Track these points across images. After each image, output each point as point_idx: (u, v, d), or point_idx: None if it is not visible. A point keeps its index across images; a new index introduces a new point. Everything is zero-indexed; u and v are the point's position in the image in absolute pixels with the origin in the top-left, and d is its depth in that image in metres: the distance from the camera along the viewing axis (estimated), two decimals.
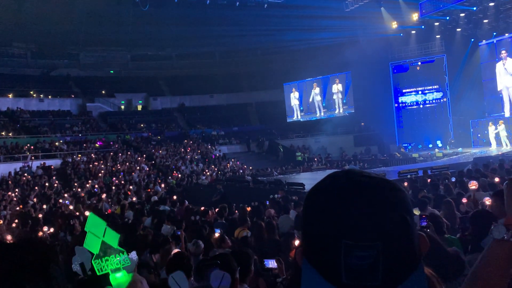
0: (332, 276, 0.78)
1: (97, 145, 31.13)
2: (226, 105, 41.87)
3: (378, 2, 30.22)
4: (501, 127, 22.13)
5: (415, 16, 28.31)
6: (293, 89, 38.26)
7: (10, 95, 35.23)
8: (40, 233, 9.50)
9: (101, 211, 12.77)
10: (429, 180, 11.55)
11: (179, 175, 25.85)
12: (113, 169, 26.78)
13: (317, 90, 36.53)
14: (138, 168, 27.20)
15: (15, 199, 19.51)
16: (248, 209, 10.14)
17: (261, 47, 42.62)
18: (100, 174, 25.29)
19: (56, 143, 29.68)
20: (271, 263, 4.86)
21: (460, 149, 25.23)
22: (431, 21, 28.67)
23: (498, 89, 25.97)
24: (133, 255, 1.46)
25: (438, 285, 1.21)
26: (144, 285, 1.27)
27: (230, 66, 43.83)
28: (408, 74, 30.71)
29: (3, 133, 30.11)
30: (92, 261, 1.39)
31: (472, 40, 27.86)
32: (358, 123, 34.95)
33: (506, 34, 25.74)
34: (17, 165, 26.01)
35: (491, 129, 23.30)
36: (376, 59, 29.58)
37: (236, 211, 10.29)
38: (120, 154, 29.39)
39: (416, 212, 5.39)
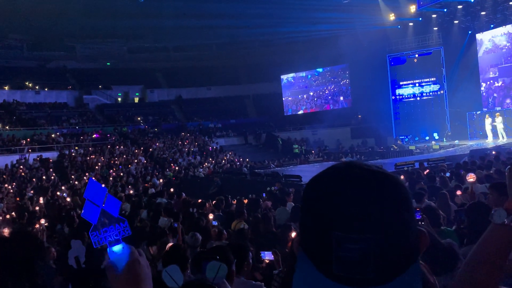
0: (324, 267, 0.78)
1: (94, 137, 31.07)
2: (224, 98, 41.79)
3: None
4: (498, 119, 22.14)
5: (412, 8, 28.22)
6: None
7: (6, 87, 35.07)
8: (37, 226, 9.51)
9: None
10: (426, 172, 11.59)
11: (176, 168, 25.86)
12: (111, 161, 26.76)
13: None
14: (135, 160, 27.18)
15: (11, 191, 19.49)
16: (245, 201, 10.17)
17: (258, 39, 42.42)
18: (96, 167, 25.27)
19: (53, 136, 29.61)
20: (268, 255, 4.88)
21: (456, 141, 25.28)
22: (429, 13, 28.57)
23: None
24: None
25: (430, 276, 1.22)
26: (143, 264, 1.21)
27: (227, 58, 43.67)
28: (405, 66, 30.68)
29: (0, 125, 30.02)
30: (90, 233, 1.28)
31: (470, 32, 27.82)
32: (355, 115, 34.97)
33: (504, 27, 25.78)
34: (14, 158, 25.94)
35: (488, 122, 23.33)
36: (373, 51, 29.54)
37: (234, 201, 10.32)
38: (117, 147, 29.35)
39: None
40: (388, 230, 0.77)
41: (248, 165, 26.01)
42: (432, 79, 29.97)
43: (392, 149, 27.41)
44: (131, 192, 16.76)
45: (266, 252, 4.93)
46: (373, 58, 29.60)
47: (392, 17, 29.65)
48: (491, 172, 9.26)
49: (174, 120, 37.79)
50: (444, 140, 27.37)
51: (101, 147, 29.09)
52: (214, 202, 10.09)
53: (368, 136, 32.09)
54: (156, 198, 12.25)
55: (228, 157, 29.68)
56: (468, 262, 1.27)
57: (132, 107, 39.03)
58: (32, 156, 26.33)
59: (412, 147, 26.59)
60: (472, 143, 23.20)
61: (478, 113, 26.23)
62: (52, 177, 23.27)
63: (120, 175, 23.20)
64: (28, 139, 28.39)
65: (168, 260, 3.73)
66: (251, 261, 4.03)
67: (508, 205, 1.25)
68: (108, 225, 1.29)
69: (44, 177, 22.93)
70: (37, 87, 36.68)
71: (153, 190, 15.92)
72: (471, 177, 7.26)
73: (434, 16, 28.63)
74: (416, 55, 30.24)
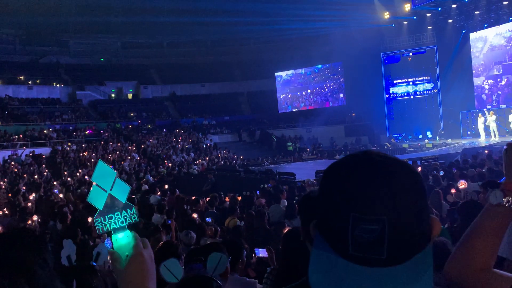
0: (340, 247, 0.81)
1: (87, 133, 30.92)
2: (218, 94, 41.71)
3: None
4: (492, 118, 22.20)
5: (407, 7, 28.31)
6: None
7: None
8: (29, 222, 9.45)
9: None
10: (419, 170, 11.63)
11: (170, 164, 25.79)
12: (106, 157, 26.63)
13: None
14: (128, 157, 27.08)
15: (3, 187, 19.34)
16: (239, 198, 10.18)
17: (253, 36, 42.43)
18: (89, 163, 25.13)
19: (46, 131, 29.42)
20: (262, 252, 4.89)
21: (449, 140, 25.43)
22: (423, 12, 28.67)
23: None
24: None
25: None
26: (147, 257, 1.17)
27: (222, 55, 43.61)
28: (399, 65, 30.78)
29: None
30: (94, 219, 1.23)
31: (464, 31, 27.95)
32: (349, 113, 35.06)
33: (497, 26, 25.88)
34: (6, 153, 25.75)
35: (480, 120, 23.46)
36: (368, 50, 29.60)
37: (227, 199, 10.32)
38: (110, 143, 29.22)
39: None
40: (402, 213, 0.81)
41: (241, 163, 25.98)
42: (426, 77, 30.10)
43: (385, 147, 27.49)
44: None
45: (260, 249, 4.94)
46: (368, 56, 29.67)
47: (386, 15, 29.72)
48: (483, 170, 9.32)
49: (168, 116, 37.67)
50: (437, 138, 27.52)
51: (94, 143, 28.95)
52: (207, 199, 10.09)
53: (361, 134, 32.20)
54: (150, 194, 12.23)
55: (222, 154, 29.65)
56: (462, 243, 1.28)
57: (125, 103, 38.86)
58: (24, 152, 26.16)
59: (405, 146, 26.71)
60: (465, 142, 23.34)
61: (470, 112, 26.37)
62: (45, 173, 23.12)
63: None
64: (21, 135, 28.19)
65: (159, 257, 3.71)
66: (245, 258, 4.03)
67: (504, 186, 1.26)
68: (114, 211, 1.24)
69: (36, 176, 22.73)
70: (29, 82, 36.40)
71: (146, 187, 15.88)
72: (462, 184, 7.20)
73: (428, 15, 28.73)
74: (410, 54, 30.35)
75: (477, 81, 27.38)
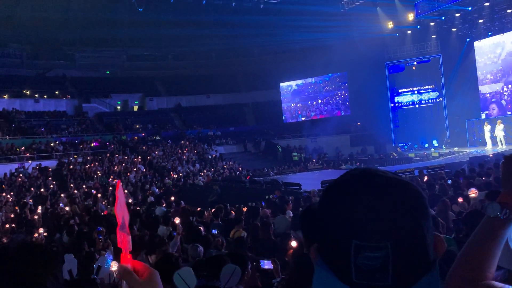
0: (343, 275, 0.79)
1: (93, 145, 31.04)
2: (223, 105, 41.83)
3: (374, 2, 30.27)
4: (499, 127, 22.01)
5: (410, 16, 28.38)
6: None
7: (6, 96, 35.07)
8: (36, 235, 9.46)
9: (97, 212, 12.73)
10: (425, 179, 11.57)
11: (176, 176, 25.81)
12: (112, 169, 26.70)
13: None
14: (134, 168, 27.14)
15: (10, 200, 19.42)
16: (244, 209, 10.14)
17: (257, 47, 42.62)
18: (95, 176, 25.21)
19: (52, 144, 29.58)
20: (267, 264, 4.85)
21: (456, 148, 25.30)
22: (427, 21, 28.75)
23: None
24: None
25: None
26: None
27: (226, 66, 43.80)
28: (404, 74, 30.78)
29: None
30: None
31: (468, 40, 27.94)
32: (354, 123, 35.01)
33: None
34: (13, 166, 25.89)
35: (487, 129, 23.34)
36: (372, 59, 29.66)
37: (233, 211, 10.29)
38: (116, 155, 29.31)
39: None
40: (406, 237, 0.78)
41: (247, 174, 25.94)
42: (431, 86, 30.07)
43: (391, 156, 27.41)
44: (130, 200, 16.71)
45: (265, 261, 4.91)
46: (372, 65, 29.73)
47: (390, 25, 29.80)
48: (490, 179, 9.26)
49: (173, 128, 37.78)
50: (444, 147, 27.39)
51: (100, 155, 29.06)
52: (213, 210, 10.06)
53: (367, 143, 32.11)
54: (155, 206, 12.22)
55: (228, 165, 29.66)
56: (461, 255, 1.27)
57: (131, 115, 39.04)
58: (31, 165, 26.29)
59: (411, 155, 26.60)
60: (471, 150, 23.20)
61: (477, 120, 26.20)
62: (51, 186, 23.19)
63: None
64: (27, 148, 28.36)
65: (159, 270, 3.70)
66: (250, 270, 4.01)
67: (501, 199, 1.25)
68: None
69: (42, 189, 22.76)
70: (36, 96, 36.70)
71: (152, 199, 15.88)
72: (472, 192, 6.98)
73: (432, 24, 28.79)
74: (415, 63, 30.36)
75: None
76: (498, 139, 22.07)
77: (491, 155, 16.45)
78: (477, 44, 27.41)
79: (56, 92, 38.03)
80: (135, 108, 41.21)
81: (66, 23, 36.14)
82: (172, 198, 13.99)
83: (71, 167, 26.53)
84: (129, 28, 37.19)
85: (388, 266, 0.76)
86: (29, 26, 35.13)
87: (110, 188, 21.37)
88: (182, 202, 12.12)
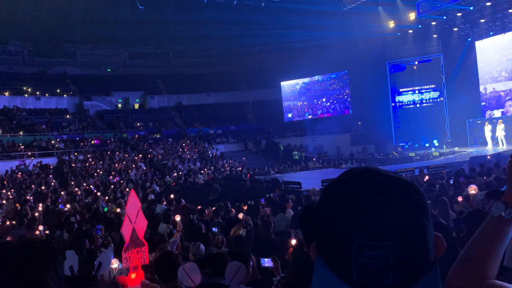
0: (343, 273, 0.79)
1: (93, 143, 31.06)
2: (224, 104, 41.83)
3: (375, 2, 30.23)
4: (500, 127, 21.98)
5: (412, 16, 28.33)
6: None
7: (7, 93, 35.09)
8: (36, 232, 9.48)
9: (97, 210, 12.75)
10: (425, 179, 11.58)
11: (176, 174, 25.83)
12: (113, 167, 26.72)
13: None
14: (134, 166, 27.16)
15: (11, 197, 19.45)
16: (245, 208, 10.15)
17: (258, 46, 42.61)
18: (95, 174, 25.23)
19: (53, 142, 29.61)
20: (267, 262, 4.87)
21: (456, 148, 25.27)
22: (428, 21, 28.69)
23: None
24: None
25: None
26: None
27: (227, 64, 43.80)
28: (405, 73, 30.74)
29: (0, 131, 30.02)
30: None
31: (469, 39, 27.89)
32: (355, 122, 35.00)
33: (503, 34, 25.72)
34: (14, 164, 25.92)
35: (488, 129, 23.31)
36: (373, 58, 29.61)
37: (233, 210, 10.30)
38: (117, 153, 29.34)
39: None
40: (408, 237, 0.79)
41: (246, 172, 25.95)
42: (432, 86, 30.02)
43: (391, 156, 27.39)
44: None
45: (265, 259, 4.92)
46: (373, 65, 29.69)
47: (391, 24, 29.77)
48: (490, 179, 9.26)
49: (174, 126, 37.80)
50: (444, 147, 27.37)
51: (101, 153, 29.08)
52: (213, 208, 10.07)
53: (368, 142, 32.09)
54: (156, 204, 12.24)
55: (228, 163, 29.67)
56: (463, 254, 1.27)
57: (132, 113, 39.05)
58: (32, 162, 26.32)
59: (412, 154, 26.58)
60: (472, 150, 23.18)
61: (477, 120, 26.17)
62: (52, 183, 23.23)
63: (122, 182, 23.15)
64: (28, 146, 28.38)
65: (158, 267, 3.72)
66: (251, 268, 4.02)
67: (506, 198, 1.26)
68: None
69: (43, 187, 22.80)
70: (37, 93, 36.72)
71: (152, 197, 15.89)
72: (472, 189, 7.02)
73: (433, 23, 28.74)
74: (416, 62, 30.31)
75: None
76: (499, 139, 22.05)
77: (489, 157, 16.43)
78: (478, 44, 27.35)
79: (57, 90, 38.04)
80: (136, 106, 41.23)
81: (67, 21, 36.15)
82: (172, 196, 14.02)
83: (72, 164, 26.55)
84: (130, 26, 37.24)
85: (389, 265, 0.76)
86: (30, 24, 35.17)
87: (112, 186, 21.39)
88: (183, 200, 12.14)
